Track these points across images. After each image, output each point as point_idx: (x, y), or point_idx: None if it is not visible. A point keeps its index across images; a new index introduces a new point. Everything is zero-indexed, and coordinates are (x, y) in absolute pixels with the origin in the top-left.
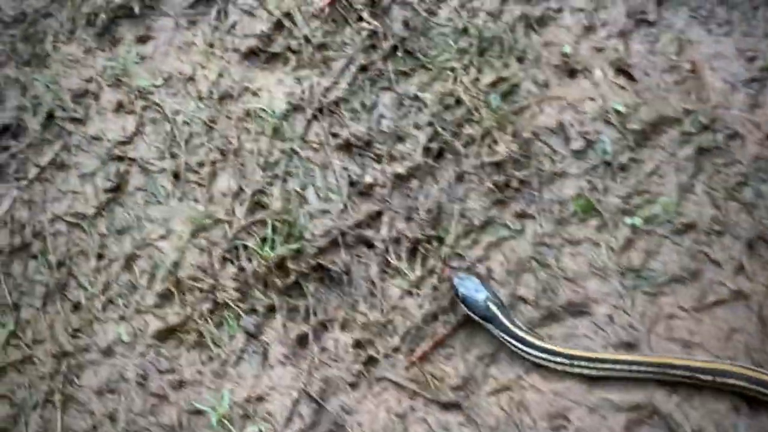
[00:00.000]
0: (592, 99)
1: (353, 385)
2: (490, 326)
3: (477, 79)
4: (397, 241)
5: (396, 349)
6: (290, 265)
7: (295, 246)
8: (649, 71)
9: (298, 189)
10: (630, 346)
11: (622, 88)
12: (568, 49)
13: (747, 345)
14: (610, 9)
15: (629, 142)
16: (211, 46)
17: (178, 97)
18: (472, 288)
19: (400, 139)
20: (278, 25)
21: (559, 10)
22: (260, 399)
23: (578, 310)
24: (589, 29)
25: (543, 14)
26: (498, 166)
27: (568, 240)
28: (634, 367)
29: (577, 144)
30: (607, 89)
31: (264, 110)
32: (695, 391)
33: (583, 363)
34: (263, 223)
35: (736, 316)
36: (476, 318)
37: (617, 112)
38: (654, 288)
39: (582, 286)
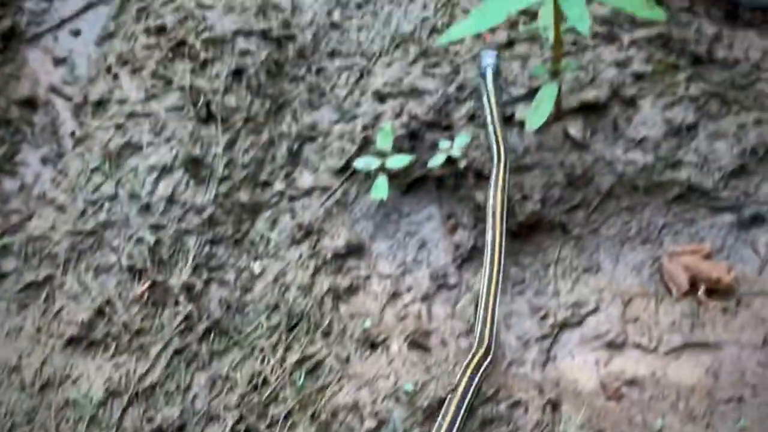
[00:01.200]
0: (386, 377)
1: None
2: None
3: (284, 358)
4: None
5: None
6: None
7: None
8: (447, 337)
9: None
10: None
11: (415, 364)
12: (367, 323)
13: None
14: (415, 272)
15: (417, 419)
16: (39, 331)
17: (2, 387)
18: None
19: (212, 419)
20: (99, 312)
21: (367, 278)
22: None
23: None
24: (395, 296)
25: (351, 283)
26: None
27: None
28: None
29: (370, 423)
30: (401, 365)
31: (82, 398)
32: None
33: None
34: None
35: None
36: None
37: (406, 391)
38: None
39: None
